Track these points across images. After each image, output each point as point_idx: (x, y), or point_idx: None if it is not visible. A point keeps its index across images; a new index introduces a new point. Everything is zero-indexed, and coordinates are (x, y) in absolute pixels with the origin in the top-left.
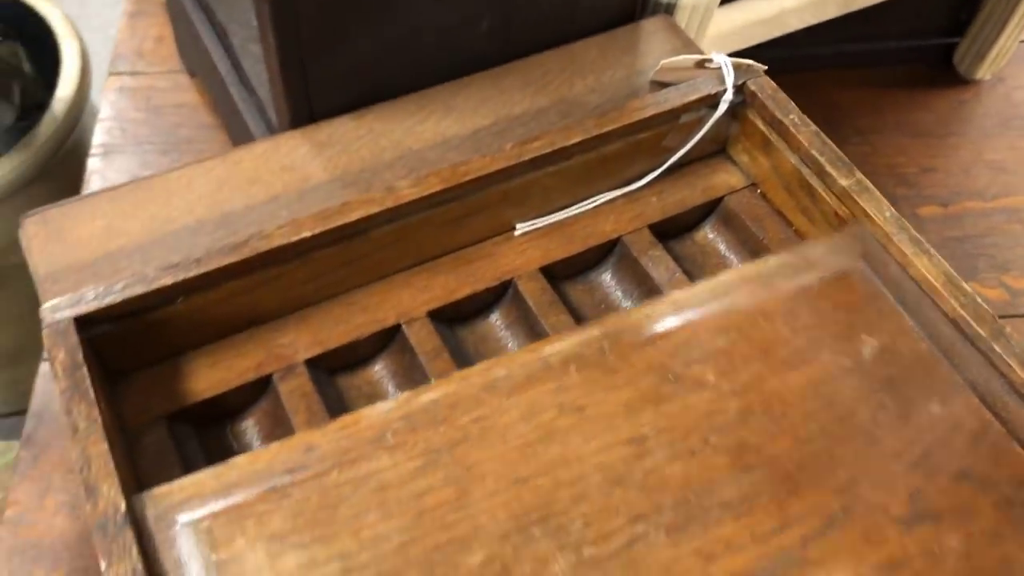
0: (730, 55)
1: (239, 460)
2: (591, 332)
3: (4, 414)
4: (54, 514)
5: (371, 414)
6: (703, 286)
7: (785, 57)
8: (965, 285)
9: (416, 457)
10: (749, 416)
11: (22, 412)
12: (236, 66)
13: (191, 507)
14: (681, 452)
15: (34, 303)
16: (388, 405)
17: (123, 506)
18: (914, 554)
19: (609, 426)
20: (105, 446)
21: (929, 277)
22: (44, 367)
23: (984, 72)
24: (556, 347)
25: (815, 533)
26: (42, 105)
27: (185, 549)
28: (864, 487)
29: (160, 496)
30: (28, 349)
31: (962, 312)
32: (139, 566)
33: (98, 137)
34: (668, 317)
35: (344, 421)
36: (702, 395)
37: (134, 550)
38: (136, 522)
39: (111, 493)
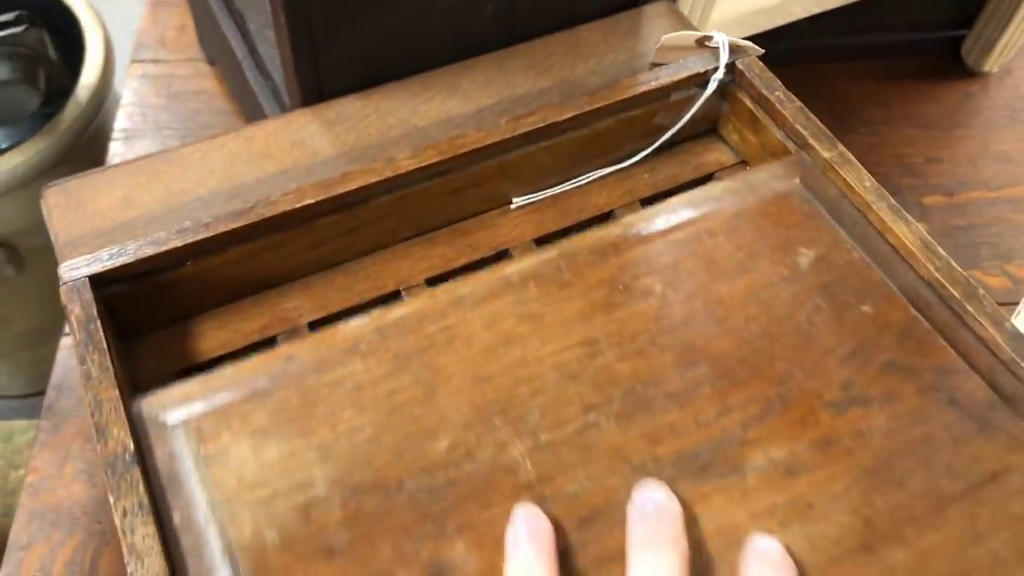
0: None
1: (225, 370)
2: (549, 253)
3: (28, 394)
4: (72, 481)
5: (346, 328)
6: (652, 209)
7: (794, 48)
8: (940, 250)
9: (387, 362)
10: (693, 320)
11: (45, 393)
12: (252, 51)
13: (182, 409)
14: (630, 352)
15: (56, 284)
16: (362, 320)
17: (131, 446)
18: (844, 434)
19: (564, 331)
20: (116, 392)
21: (907, 243)
22: (64, 342)
23: (991, 64)
24: (516, 266)
25: (754, 418)
26: (66, 91)
27: (177, 445)
28: (799, 378)
29: (154, 401)
30: (51, 330)
31: (937, 275)
32: (145, 500)
33: (120, 122)
34: (620, 237)
35: (321, 335)
36: (650, 303)
37: (140, 486)
38: (134, 428)
39: (120, 435)
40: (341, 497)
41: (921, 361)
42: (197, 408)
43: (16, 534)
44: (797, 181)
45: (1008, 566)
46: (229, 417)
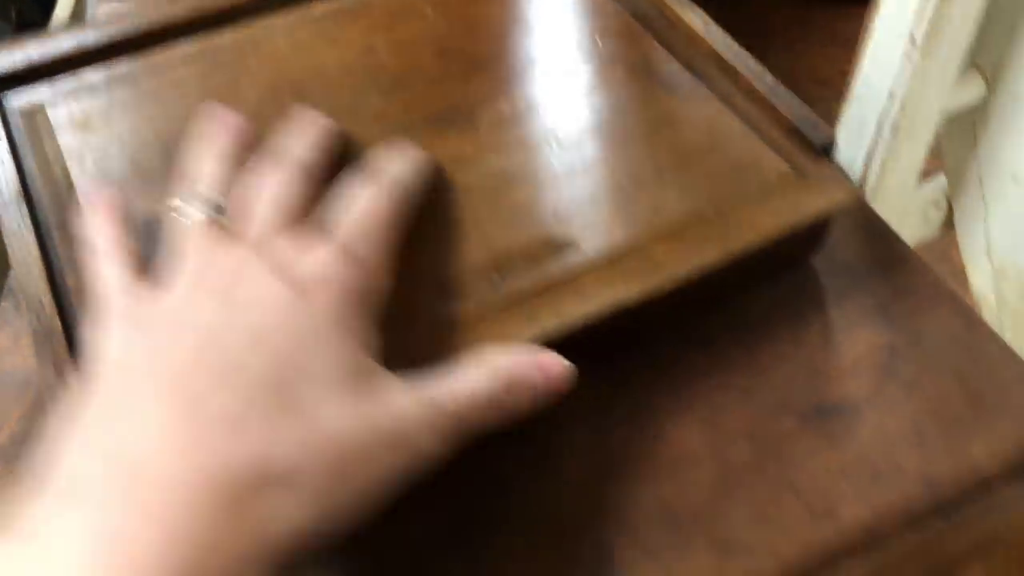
0: None
1: (76, 74)
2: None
3: None
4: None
5: (179, 48)
6: None
7: None
8: (718, 28)
9: (208, 66)
10: (454, 32)
11: None
12: None
13: (38, 97)
14: (399, 52)
15: None
16: (192, 45)
17: (21, 192)
18: (558, 96)
19: (349, 44)
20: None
21: (691, 25)
22: None
23: None
24: (322, 8)
25: (490, 89)
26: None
27: (34, 121)
28: (529, 65)
29: (15, 95)
30: None
31: (714, 48)
32: (32, 237)
33: None
34: None
35: (157, 55)
36: (423, 22)
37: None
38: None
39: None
40: (161, 148)
41: (632, 53)
42: (48, 96)
43: None
44: None
45: (666, 168)
46: (74, 100)
